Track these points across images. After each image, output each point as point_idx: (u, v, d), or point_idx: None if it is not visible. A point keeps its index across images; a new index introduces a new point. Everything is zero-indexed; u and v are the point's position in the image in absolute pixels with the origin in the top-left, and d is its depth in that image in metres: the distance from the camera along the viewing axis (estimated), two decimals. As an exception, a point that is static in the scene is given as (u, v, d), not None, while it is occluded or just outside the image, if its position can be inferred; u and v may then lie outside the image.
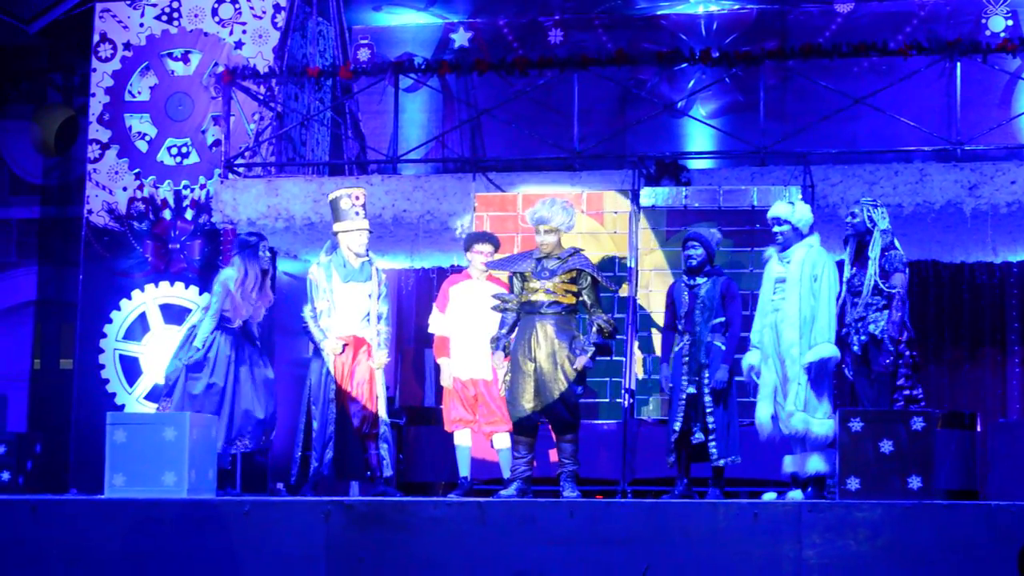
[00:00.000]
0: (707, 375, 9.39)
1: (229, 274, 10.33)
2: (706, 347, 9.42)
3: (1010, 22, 13.05)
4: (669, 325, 9.70)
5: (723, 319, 9.47)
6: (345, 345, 10.01)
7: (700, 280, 9.55)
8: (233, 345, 10.21)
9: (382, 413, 10.06)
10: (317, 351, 10.08)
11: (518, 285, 9.25)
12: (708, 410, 9.36)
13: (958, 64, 11.57)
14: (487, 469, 10.56)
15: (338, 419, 10.01)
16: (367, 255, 10.17)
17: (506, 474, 9.76)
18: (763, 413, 9.31)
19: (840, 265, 9.39)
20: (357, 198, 10.13)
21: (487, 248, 10.17)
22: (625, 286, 11.14)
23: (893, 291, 9.09)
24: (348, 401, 10.01)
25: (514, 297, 9.24)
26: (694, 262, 9.57)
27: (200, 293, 12.56)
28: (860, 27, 13.23)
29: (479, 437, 10.19)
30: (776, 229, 9.39)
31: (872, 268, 9.12)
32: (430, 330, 10.45)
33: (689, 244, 9.61)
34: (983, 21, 13.10)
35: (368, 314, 10.09)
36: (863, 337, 9.10)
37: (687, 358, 9.47)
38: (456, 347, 10.11)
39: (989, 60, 11.69)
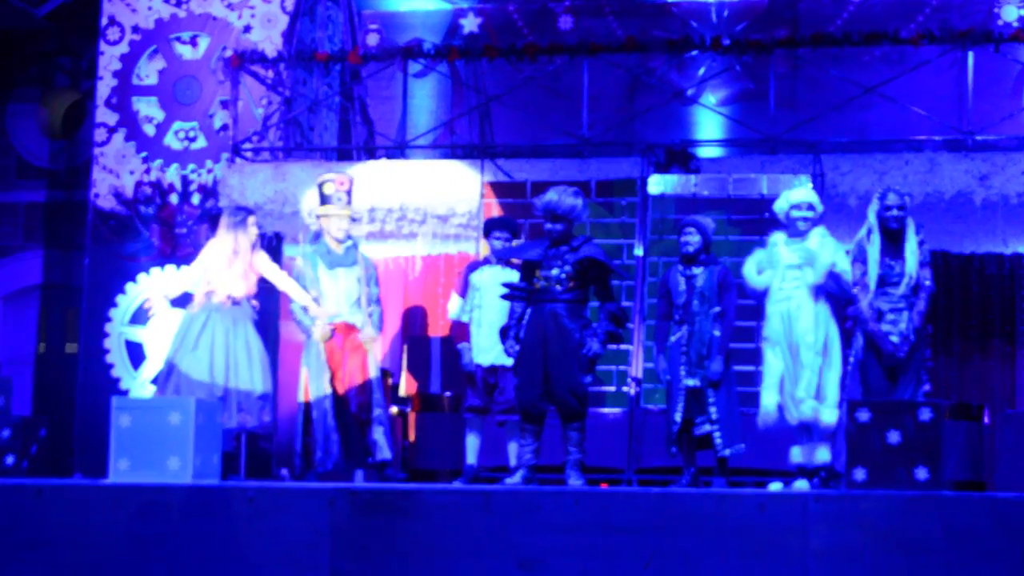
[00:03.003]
0: (710, 369, 9.34)
1: (213, 245, 10.29)
2: (708, 339, 9.36)
3: (1023, 11, 12.99)
4: (664, 314, 9.63)
5: (720, 308, 9.41)
6: (335, 331, 10.00)
7: (697, 270, 9.47)
8: (228, 320, 10.17)
9: (377, 396, 10.06)
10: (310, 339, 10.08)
11: (527, 273, 9.21)
12: (711, 400, 9.32)
13: (970, 53, 11.53)
14: (494, 456, 10.53)
15: (336, 407, 10.00)
16: (349, 240, 10.16)
17: (513, 462, 9.74)
18: (769, 401, 9.27)
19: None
20: (342, 183, 10.13)
21: (503, 235, 10.15)
22: (632, 274, 11.11)
23: (926, 283, 9.05)
24: (344, 388, 10.01)
25: (524, 285, 9.20)
26: (691, 249, 9.49)
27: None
28: (871, 16, 13.19)
29: (489, 424, 10.17)
30: (808, 215, 9.29)
31: (912, 260, 9.04)
32: (449, 316, 10.43)
33: (686, 231, 9.53)
34: (996, 10, 13.07)
35: (358, 299, 10.09)
36: (904, 325, 9.04)
37: (686, 348, 9.41)
38: (477, 334, 10.09)
39: (1001, 50, 11.65)
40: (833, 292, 9.22)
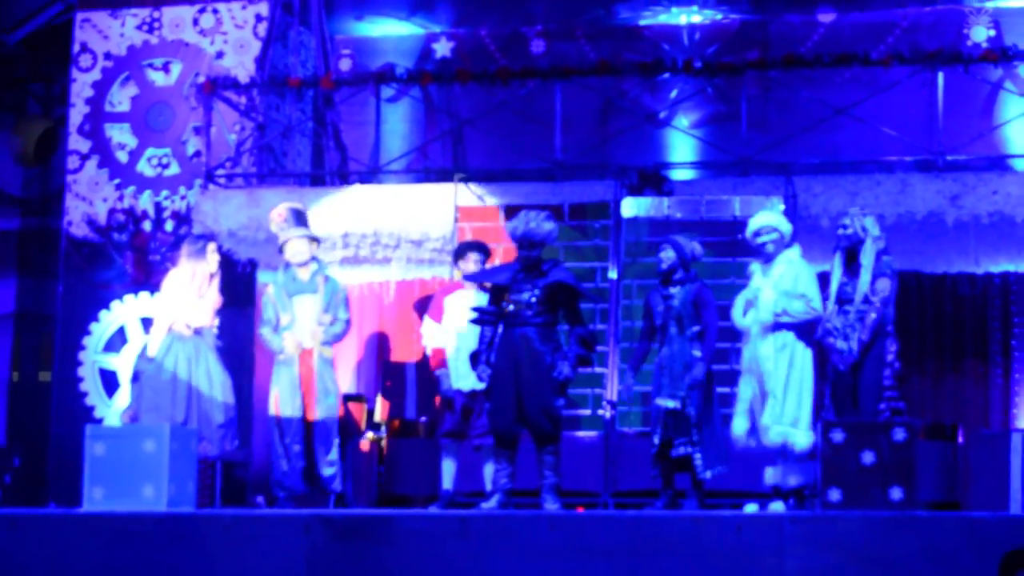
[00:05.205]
0: (688, 388, 9.30)
1: (174, 275, 10.27)
2: (685, 360, 9.34)
3: (992, 32, 13.05)
4: (645, 334, 9.65)
5: (699, 328, 9.40)
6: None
7: (674, 290, 9.47)
8: (191, 349, 10.14)
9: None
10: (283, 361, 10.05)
11: (498, 297, 9.21)
12: (693, 421, 9.29)
13: (940, 74, 11.59)
14: (470, 481, 10.52)
15: (304, 433, 10.01)
16: (315, 264, 10.18)
17: (488, 486, 9.72)
18: (739, 427, 9.31)
19: (822, 276, 9.38)
20: (280, 214, 10.27)
21: (477, 256, 10.15)
22: (606, 297, 11.11)
23: (873, 297, 9.09)
24: (309, 414, 10.03)
25: (494, 309, 9.20)
26: (664, 266, 9.49)
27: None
28: (842, 37, 13.22)
29: (465, 449, 10.15)
30: (766, 238, 9.36)
31: (866, 276, 9.11)
32: (423, 342, 10.39)
33: (661, 247, 9.56)
34: (965, 31, 13.11)
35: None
36: (854, 344, 9.08)
37: (663, 370, 9.41)
38: (454, 359, 10.05)
39: (971, 70, 11.71)
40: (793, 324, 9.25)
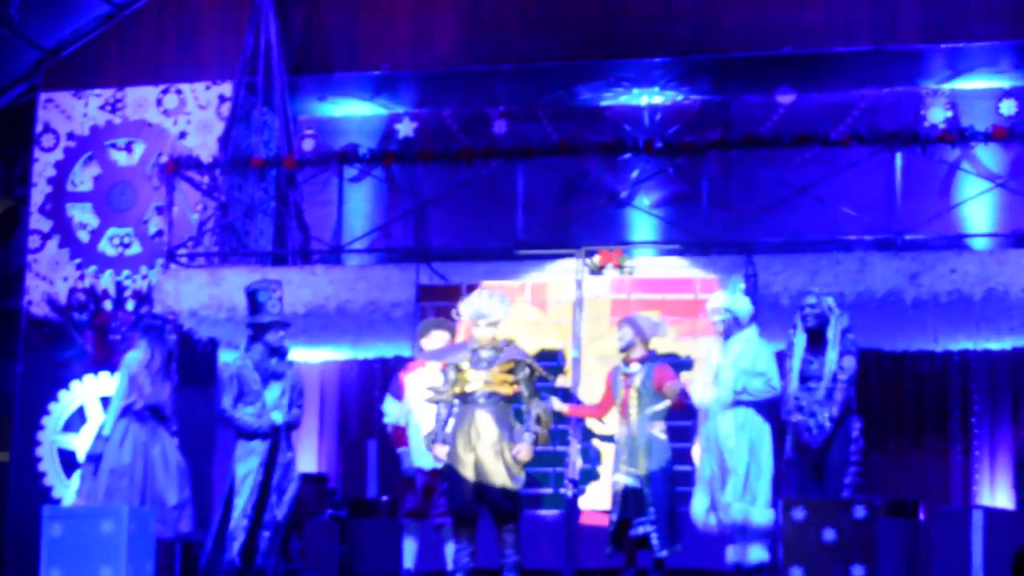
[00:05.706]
0: (648, 468, 9.28)
1: (134, 356, 10.15)
2: (646, 440, 9.33)
3: (949, 113, 13.19)
4: (600, 403, 9.69)
5: (659, 407, 9.40)
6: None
7: (634, 367, 9.50)
8: (145, 429, 10.06)
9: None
10: (248, 439, 9.82)
11: (452, 376, 9.19)
12: (649, 500, 9.27)
13: (898, 154, 11.70)
14: (431, 560, 10.45)
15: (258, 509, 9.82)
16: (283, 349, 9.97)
17: (450, 566, 9.67)
18: (699, 505, 9.29)
19: (780, 355, 9.41)
20: (275, 290, 9.82)
21: (441, 335, 10.09)
22: (564, 376, 11.09)
23: (841, 376, 9.13)
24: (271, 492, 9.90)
25: (448, 388, 9.19)
26: (622, 344, 9.55)
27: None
28: (801, 118, 13.33)
29: (426, 528, 10.09)
30: (716, 318, 9.41)
31: (832, 353, 9.15)
32: (385, 420, 10.31)
33: (621, 325, 9.61)
34: (922, 112, 13.24)
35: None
36: (826, 421, 9.10)
37: (624, 448, 9.40)
38: (416, 437, 9.99)
39: (929, 151, 11.82)
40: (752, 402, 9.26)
